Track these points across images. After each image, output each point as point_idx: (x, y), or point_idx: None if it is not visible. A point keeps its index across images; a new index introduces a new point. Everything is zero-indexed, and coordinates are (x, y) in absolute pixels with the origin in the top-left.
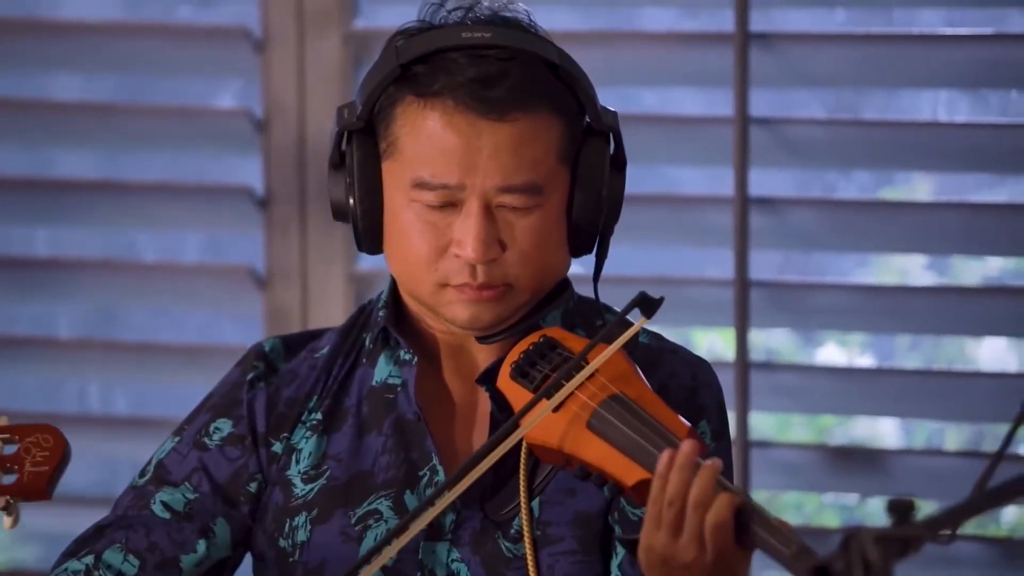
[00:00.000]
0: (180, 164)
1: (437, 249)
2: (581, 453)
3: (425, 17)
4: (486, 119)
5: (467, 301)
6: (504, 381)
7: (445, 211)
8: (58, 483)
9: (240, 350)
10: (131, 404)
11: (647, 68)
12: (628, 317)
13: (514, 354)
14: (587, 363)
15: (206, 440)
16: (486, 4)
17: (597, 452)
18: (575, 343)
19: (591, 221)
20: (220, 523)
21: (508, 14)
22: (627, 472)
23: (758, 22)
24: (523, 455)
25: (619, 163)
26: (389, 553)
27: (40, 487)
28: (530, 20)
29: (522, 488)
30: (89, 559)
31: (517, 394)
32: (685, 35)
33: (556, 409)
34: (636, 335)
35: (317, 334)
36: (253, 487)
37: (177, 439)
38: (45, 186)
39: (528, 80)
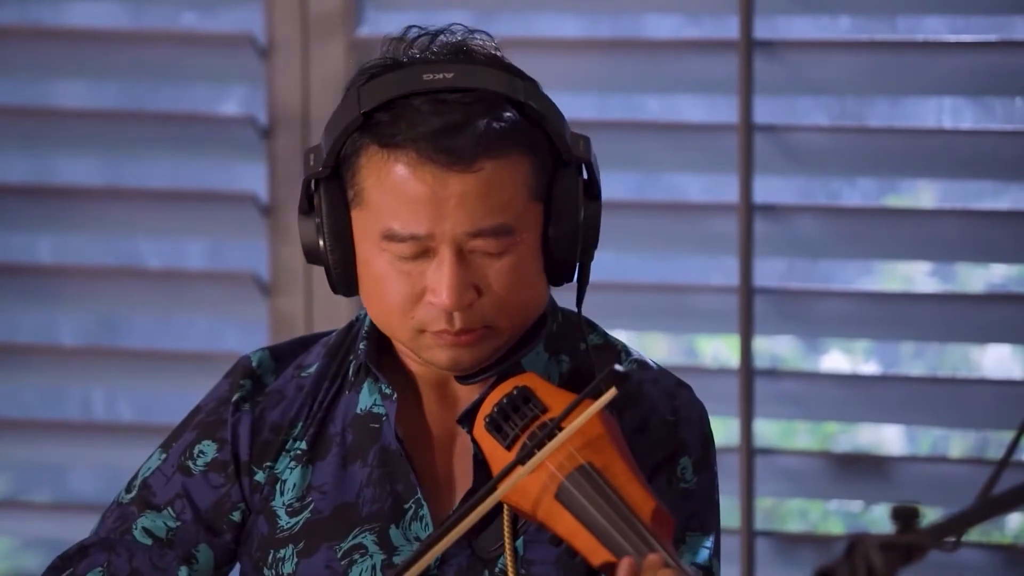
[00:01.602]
0: (184, 171)
1: (411, 297)
2: (551, 523)
3: (388, 52)
4: (452, 169)
5: (445, 346)
6: (479, 432)
7: (418, 260)
8: None
9: None
10: (135, 411)
11: (651, 75)
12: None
13: (487, 406)
14: (561, 428)
15: (190, 464)
16: (455, 28)
17: (566, 526)
18: (548, 394)
19: (568, 253)
20: (203, 549)
21: (475, 41)
22: (592, 552)
23: (762, 29)
24: (506, 518)
25: (593, 192)
26: None
27: None
28: (495, 48)
29: (506, 528)
30: None
31: (491, 447)
32: (689, 42)
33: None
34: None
35: (306, 343)
36: (236, 516)
37: (164, 456)
38: (49, 193)
39: (493, 124)
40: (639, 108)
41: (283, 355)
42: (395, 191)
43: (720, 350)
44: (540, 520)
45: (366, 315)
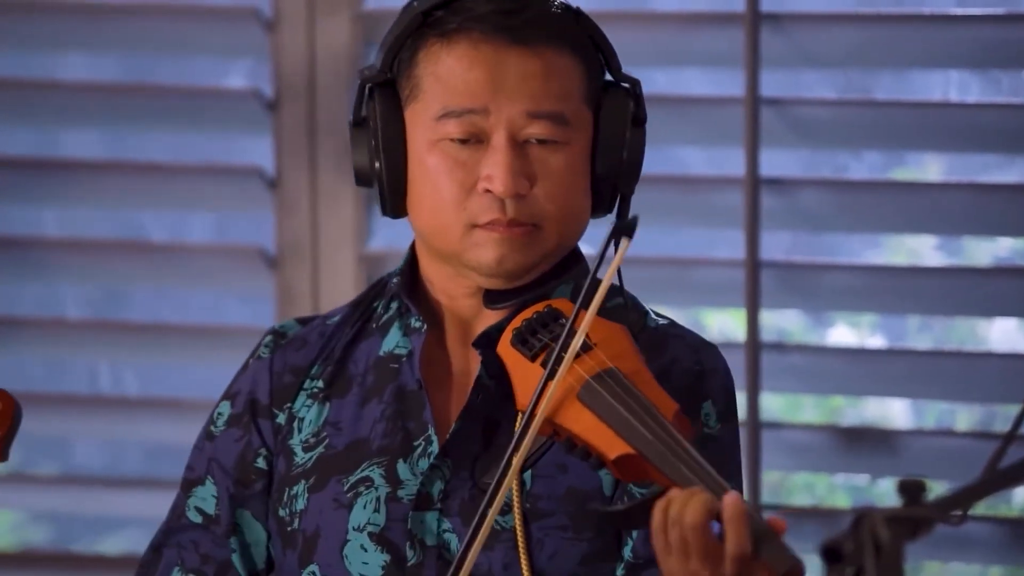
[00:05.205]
0: (189, 144)
1: (465, 188)
2: (568, 424)
3: None
4: (513, 46)
5: (496, 241)
6: (504, 347)
7: (472, 148)
8: (11, 445)
9: (250, 331)
10: (140, 384)
11: (657, 48)
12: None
13: (517, 321)
14: (578, 332)
15: (212, 429)
16: None
17: (583, 424)
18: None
19: (614, 171)
20: (241, 514)
21: None
22: (609, 446)
23: (768, 2)
24: (518, 426)
25: (639, 119)
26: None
27: None
28: None
29: (514, 458)
30: None
31: (515, 360)
32: (695, 15)
33: (551, 379)
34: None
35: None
36: (261, 463)
37: (197, 438)
38: (53, 166)
39: (550, 16)
40: (645, 81)
41: (309, 318)
42: (454, 71)
43: (726, 324)
44: (556, 423)
45: (398, 267)
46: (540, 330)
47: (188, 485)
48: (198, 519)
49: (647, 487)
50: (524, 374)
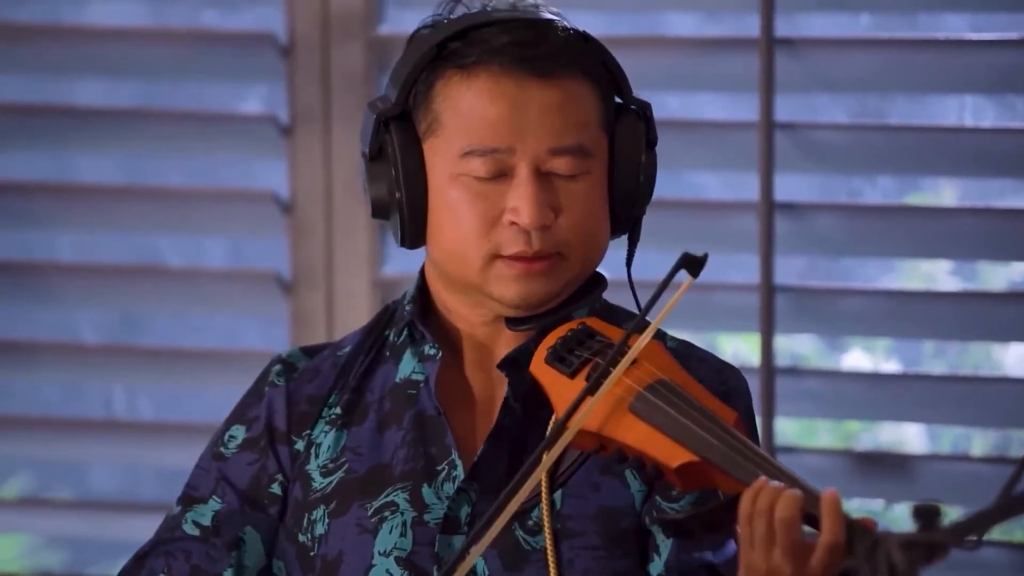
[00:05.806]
0: (205, 169)
1: (488, 220)
2: (621, 436)
3: (443, 13)
4: (534, 79)
5: (518, 275)
6: (538, 366)
7: (495, 182)
8: None
9: (265, 355)
10: (156, 409)
11: (672, 73)
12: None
13: (550, 339)
14: (628, 349)
15: (222, 450)
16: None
17: (639, 435)
18: (613, 333)
19: (631, 195)
20: (249, 532)
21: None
22: (670, 455)
23: (783, 27)
24: (547, 436)
25: (651, 141)
26: (475, 555)
27: None
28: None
29: (544, 481)
30: None
31: (552, 379)
32: (710, 40)
33: (594, 393)
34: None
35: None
36: (276, 488)
37: (201, 456)
38: (69, 191)
39: (565, 44)
40: (659, 106)
41: (315, 349)
42: (476, 107)
43: (741, 348)
44: (606, 436)
45: (405, 293)
46: (577, 347)
47: (189, 501)
48: (195, 532)
49: (677, 500)
50: (562, 391)
